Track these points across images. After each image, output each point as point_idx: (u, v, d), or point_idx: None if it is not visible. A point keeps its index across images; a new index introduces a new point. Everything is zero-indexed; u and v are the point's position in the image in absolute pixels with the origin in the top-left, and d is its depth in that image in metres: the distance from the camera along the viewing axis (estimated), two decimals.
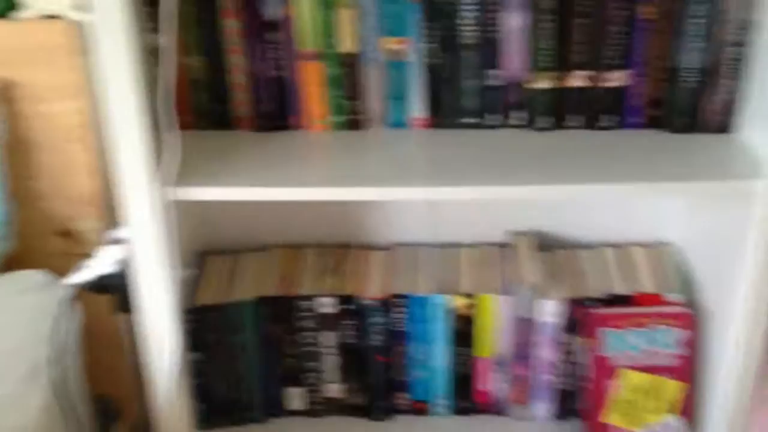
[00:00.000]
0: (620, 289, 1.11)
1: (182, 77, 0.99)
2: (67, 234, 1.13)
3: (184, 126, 1.01)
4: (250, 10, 0.96)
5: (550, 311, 1.09)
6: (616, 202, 1.17)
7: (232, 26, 0.97)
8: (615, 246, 1.18)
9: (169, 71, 0.90)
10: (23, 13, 1.01)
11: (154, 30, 0.95)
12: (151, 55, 0.95)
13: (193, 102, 1.01)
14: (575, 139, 1.01)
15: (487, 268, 1.15)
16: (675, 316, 1.08)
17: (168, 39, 0.88)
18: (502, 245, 1.18)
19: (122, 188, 0.91)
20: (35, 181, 1.08)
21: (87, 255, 1.05)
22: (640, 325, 1.09)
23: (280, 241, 1.19)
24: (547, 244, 1.18)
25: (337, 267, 1.15)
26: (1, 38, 1.01)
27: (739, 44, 0.96)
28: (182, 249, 1.01)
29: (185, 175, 0.93)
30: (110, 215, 1.08)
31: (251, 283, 1.12)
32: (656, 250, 1.17)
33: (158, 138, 0.93)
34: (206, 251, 1.18)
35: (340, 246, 1.19)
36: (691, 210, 1.13)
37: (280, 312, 1.10)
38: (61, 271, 1.05)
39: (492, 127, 1.03)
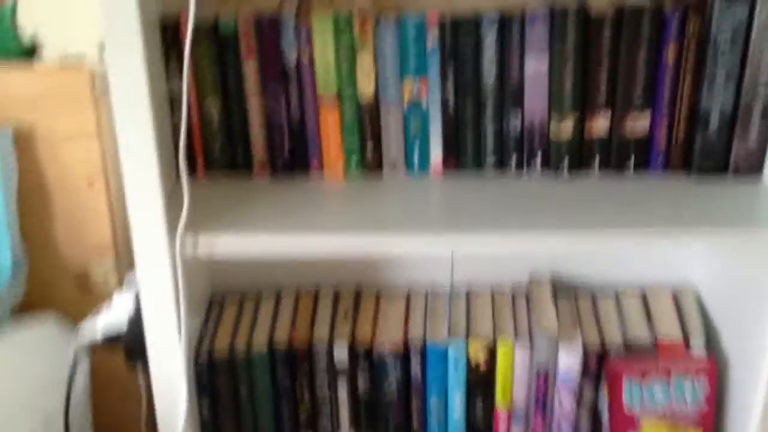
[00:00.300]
0: (642, 336, 1.03)
1: (197, 121, 0.93)
2: (82, 279, 1.06)
3: (198, 170, 0.95)
4: (270, 53, 0.90)
5: (569, 360, 1.01)
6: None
7: (251, 70, 0.91)
8: (636, 290, 1.11)
9: (184, 117, 0.83)
10: (45, 56, 0.96)
11: (170, 74, 0.89)
12: (165, 100, 0.89)
13: (208, 146, 0.95)
14: (598, 185, 0.94)
15: (506, 315, 1.07)
16: (698, 368, 1.00)
17: (184, 85, 0.82)
18: (521, 290, 1.11)
19: (134, 236, 0.85)
20: (51, 226, 1.02)
21: (102, 301, 0.98)
22: (662, 376, 1.00)
23: (294, 284, 1.12)
24: (566, 289, 1.11)
25: (351, 313, 1.08)
26: (21, 84, 0.96)
27: None
28: (194, 295, 0.94)
29: (197, 224, 0.87)
30: (126, 261, 1.02)
31: (264, 332, 1.05)
32: (678, 294, 1.09)
33: (172, 186, 0.87)
34: (218, 295, 1.11)
35: (356, 288, 1.12)
36: (715, 253, 1.05)
37: (293, 362, 1.03)
38: (76, 317, 0.99)
39: (513, 171, 0.96)
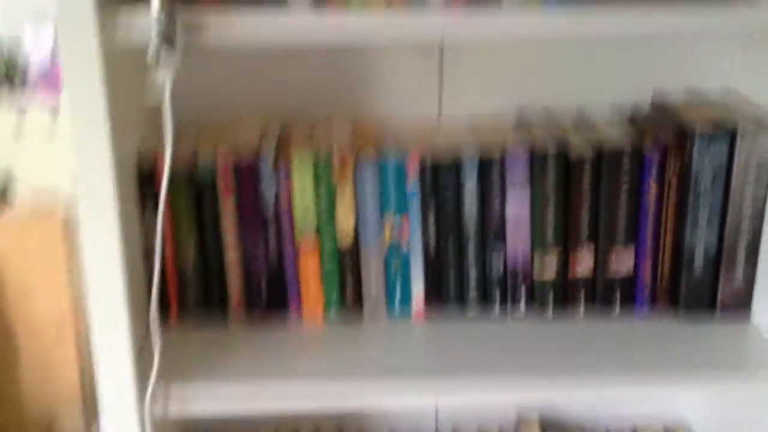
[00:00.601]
0: None
1: (172, 265, 0.89)
2: (48, 430, 0.99)
3: (172, 315, 0.91)
4: (248, 195, 0.87)
5: None
6: None
7: (229, 212, 0.88)
8: (628, 426, 1.06)
9: (157, 276, 0.79)
10: (16, 196, 0.93)
11: (145, 217, 0.86)
12: (139, 244, 0.86)
13: (183, 290, 0.91)
14: (584, 325, 0.90)
15: None
16: None
17: (158, 234, 0.78)
18: (509, 429, 1.06)
19: (101, 393, 0.79)
20: (17, 375, 0.97)
21: None
22: None
23: (272, 422, 1.06)
24: (555, 427, 1.06)
25: None
26: None
27: (753, 227, 0.88)
28: None
29: (169, 379, 0.81)
30: (94, 410, 0.96)
31: None
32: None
33: (143, 335, 0.82)
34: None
35: (337, 428, 1.06)
36: (707, 392, 1.01)
37: None
38: None
39: (497, 312, 0.92)
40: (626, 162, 0.88)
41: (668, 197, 0.89)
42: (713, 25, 0.74)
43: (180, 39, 0.64)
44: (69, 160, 0.74)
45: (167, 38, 0.64)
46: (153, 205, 0.86)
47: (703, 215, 0.88)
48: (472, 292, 0.92)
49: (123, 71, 0.77)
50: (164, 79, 0.65)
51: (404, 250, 0.90)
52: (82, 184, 0.74)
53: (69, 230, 0.88)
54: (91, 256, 0.76)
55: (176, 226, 0.89)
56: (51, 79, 0.95)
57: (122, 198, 0.77)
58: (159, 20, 0.64)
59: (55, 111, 0.89)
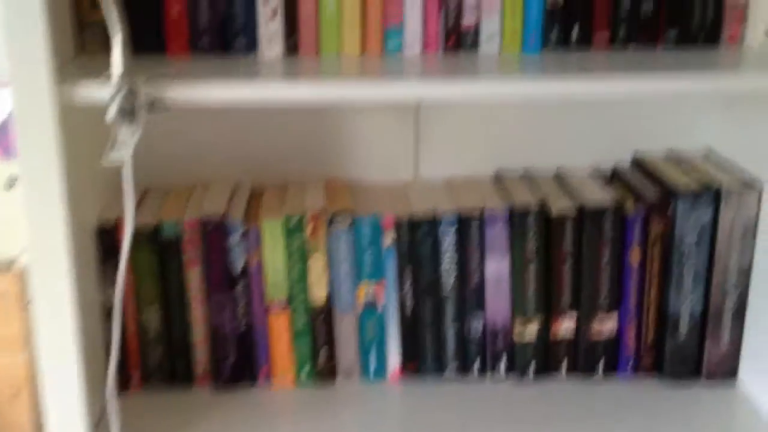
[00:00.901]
0: None
1: (135, 331, 0.87)
2: None
3: (133, 384, 0.88)
4: (216, 258, 0.85)
5: None
6: None
7: (195, 276, 0.86)
8: None
9: (118, 330, 0.77)
10: None
11: (106, 281, 0.84)
12: (99, 309, 0.84)
13: (146, 358, 0.87)
14: (566, 391, 0.88)
15: None
16: None
17: (119, 293, 0.76)
18: None
19: None
20: None
21: None
22: None
23: None
24: None
25: None
26: None
27: (739, 291, 0.87)
28: None
29: None
30: None
31: None
32: None
33: (101, 405, 0.80)
34: None
35: None
36: None
37: None
38: None
39: (476, 376, 0.91)
40: (608, 223, 0.87)
41: (652, 259, 0.88)
42: (696, 89, 0.74)
43: (142, 114, 0.62)
44: (24, 227, 0.72)
45: (128, 113, 0.62)
46: (114, 269, 0.84)
47: (688, 278, 0.88)
48: (451, 356, 0.90)
49: (82, 136, 0.75)
50: (125, 154, 0.64)
51: (379, 312, 0.89)
52: (35, 250, 0.72)
53: (26, 284, 0.86)
54: (44, 324, 0.73)
55: (138, 290, 0.86)
56: (6, 145, 0.94)
57: (80, 265, 0.75)
58: (119, 96, 0.62)
59: (11, 178, 0.87)
